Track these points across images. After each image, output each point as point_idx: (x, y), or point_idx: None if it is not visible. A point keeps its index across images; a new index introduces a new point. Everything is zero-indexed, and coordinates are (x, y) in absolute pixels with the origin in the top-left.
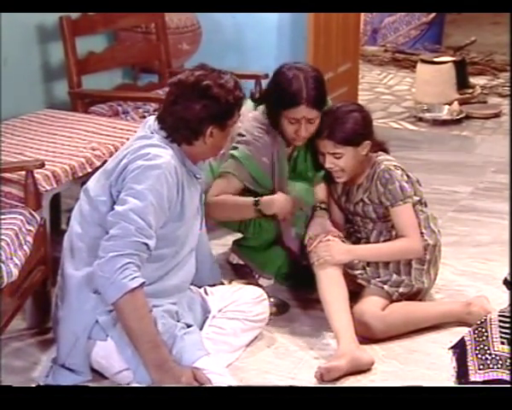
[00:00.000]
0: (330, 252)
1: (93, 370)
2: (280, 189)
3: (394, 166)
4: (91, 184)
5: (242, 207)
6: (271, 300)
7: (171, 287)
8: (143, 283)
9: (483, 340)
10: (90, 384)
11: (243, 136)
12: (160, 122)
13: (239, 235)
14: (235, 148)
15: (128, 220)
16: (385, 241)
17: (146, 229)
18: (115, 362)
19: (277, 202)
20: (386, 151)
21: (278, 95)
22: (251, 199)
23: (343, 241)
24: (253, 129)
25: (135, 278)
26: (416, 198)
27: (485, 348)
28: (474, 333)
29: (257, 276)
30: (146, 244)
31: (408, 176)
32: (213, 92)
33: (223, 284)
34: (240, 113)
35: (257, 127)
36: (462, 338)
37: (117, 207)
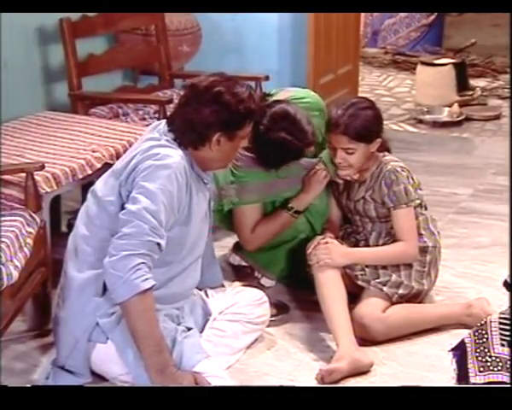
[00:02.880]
0: (330, 255)
1: (93, 373)
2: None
3: (401, 167)
4: (99, 185)
5: (281, 223)
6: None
7: (176, 294)
8: (154, 285)
9: (483, 342)
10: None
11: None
12: (169, 124)
13: None
14: (233, 175)
15: (142, 219)
16: (384, 243)
17: (158, 228)
18: (115, 366)
19: (306, 193)
20: (388, 150)
21: (279, 159)
22: (282, 211)
23: (340, 243)
24: (243, 150)
25: (147, 279)
26: (417, 201)
27: (486, 350)
28: (475, 335)
29: (259, 276)
30: (158, 244)
31: (413, 179)
32: (224, 99)
33: (224, 286)
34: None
35: (246, 147)
36: (463, 340)
37: (129, 206)
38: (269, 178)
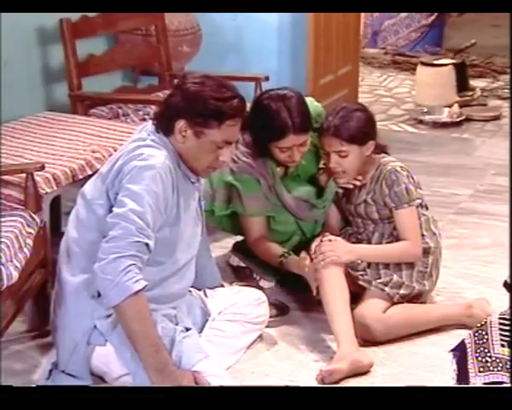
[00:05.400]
0: (336, 251)
1: (93, 374)
2: (285, 206)
3: (400, 167)
4: (88, 187)
5: (271, 256)
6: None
7: (171, 293)
8: (146, 285)
9: (483, 343)
10: None
11: (235, 162)
12: (154, 115)
13: (239, 237)
14: (233, 179)
15: (128, 221)
16: (387, 243)
17: (146, 229)
18: (115, 367)
19: (298, 263)
20: (386, 152)
21: (263, 128)
22: (279, 252)
23: None
24: (241, 155)
25: (138, 280)
26: (418, 201)
27: (486, 350)
28: (475, 336)
29: (258, 278)
30: (147, 245)
31: (413, 178)
32: (195, 88)
33: (223, 286)
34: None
35: (245, 152)
36: (463, 341)
37: (116, 209)
38: (261, 191)
